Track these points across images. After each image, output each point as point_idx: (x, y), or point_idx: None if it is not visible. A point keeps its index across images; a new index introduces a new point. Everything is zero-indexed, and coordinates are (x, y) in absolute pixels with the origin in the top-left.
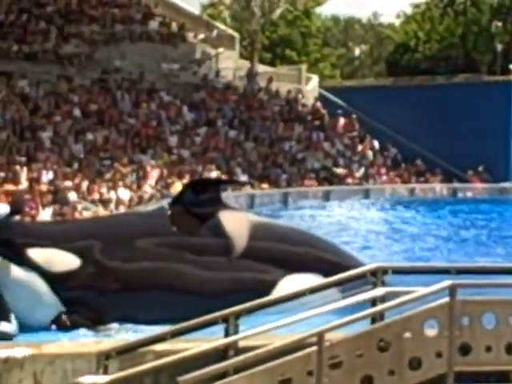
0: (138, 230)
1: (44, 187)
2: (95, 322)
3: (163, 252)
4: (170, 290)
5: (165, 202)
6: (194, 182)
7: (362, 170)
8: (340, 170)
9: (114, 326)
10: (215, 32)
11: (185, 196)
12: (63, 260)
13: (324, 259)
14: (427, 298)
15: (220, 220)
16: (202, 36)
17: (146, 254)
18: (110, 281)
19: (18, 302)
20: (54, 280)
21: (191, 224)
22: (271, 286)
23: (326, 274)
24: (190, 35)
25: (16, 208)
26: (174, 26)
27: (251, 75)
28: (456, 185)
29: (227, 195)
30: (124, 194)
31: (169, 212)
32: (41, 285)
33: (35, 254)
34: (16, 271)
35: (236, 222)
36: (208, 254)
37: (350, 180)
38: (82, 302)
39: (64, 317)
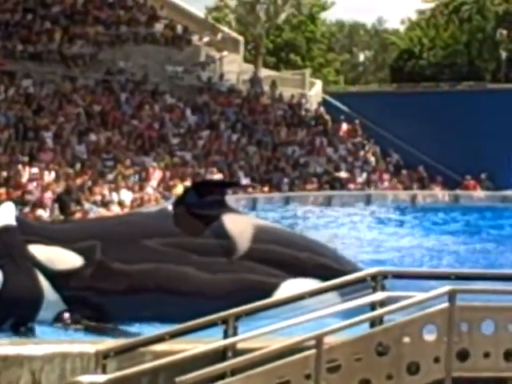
0: (141, 230)
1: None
2: (96, 322)
3: (166, 253)
4: (171, 291)
5: (167, 204)
6: (198, 183)
7: (364, 175)
8: (343, 174)
9: (114, 326)
10: (220, 35)
11: (188, 197)
12: (66, 258)
13: (325, 265)
14: (427, 303)
15: (223, 222)
16: (206, 39)
17: (149, 254)
18: (112, 281)
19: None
20: (56, 278)
21: (194, 225)
22: (273, 288)
23: (326, 280)
24: (194, 38)
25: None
26: (179, 29)
27: (255, 79)
28: (458, 192)
29: (229, 198)
30: (126, 195)
31: (172, 213)
32: (43, 282)
33: (37, 250)
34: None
35: (239, 224)
36: (211, 255)
37: (352, 185)
38: (84, 301)
39: (66, 315)
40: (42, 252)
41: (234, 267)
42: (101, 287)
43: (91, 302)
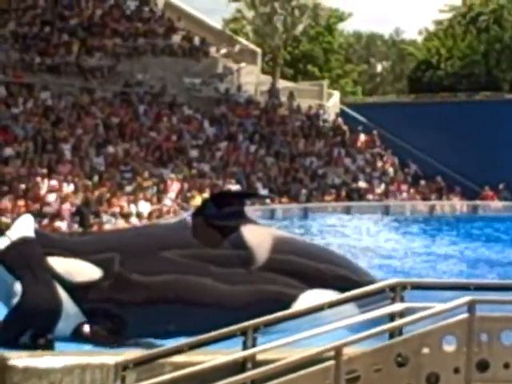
0: (159, 241)
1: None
2: (116, 334)
3: (185, 264)
4: (190, 302)
5: (186, 215)
6: (216, 194)
7: (383, 186)
8: (361, 184)
9: (134, 339)
10: (237, 47)
11: (207, 208)
12: (85, 271)
13: (343, 276)
14: (446, 313)
15: (242, 232)
16: (224, 51)
17: (167, 266)
18: (131, 293)
19: None
20: (75, 290)
21: (213, 236)
22: (292, 299)
23: (344, 292)
24: (212, 50)
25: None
26: (197, 41)
27: (273, 91)
28: (476, 202)
29: (247, 209)
30: (144, 207)
31: (191, 224)
32: (61, 294)
33: (56, 263)
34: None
35: (258, 235)
36: (229, 266)
37: (370, 196)
38: (103, 313)
39: (85, 327)
40: (60, 264)
41: (252, 278)
42: (120, 299)
43: (110, 313)
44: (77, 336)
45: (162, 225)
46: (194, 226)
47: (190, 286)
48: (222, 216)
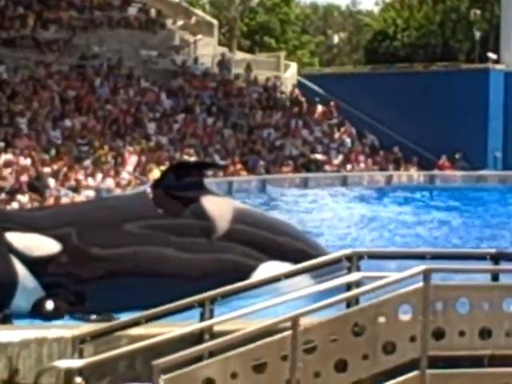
0: (121, 214)
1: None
2: (77, 308)
3: (146, 235)
4: (152, 273)
5: (146, 187)
6: (175, 165)
7: (340, 157)
8: (319, 156)
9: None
10: (194, 19)
11: (166, 179)
12: (43, 245)
13: (301, 250)
14: (404, 282)
15: (203, 203)
16: (180, 23)
17: (128, 238)
18: (91, 267)
19: None
20: (35, 264)
21: (173, 207)
22: (251, 269)
23: None
24: (168, 22)
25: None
26: (153, 13)
27: (224, 62)
28: (433, 172)
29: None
30: (102, 180)
31: (151, 195)
32: (19, 269)
33: (14, 238)
34: None
35: (219, 206)
36: (191, 235)
37: (328, 167)
38: (63, 287)
39: (47, 302)
40: (18, 239)
41: (213, 248)
42: (79, 273)
43: (70, 287)
44: (36, 311)
45: (122, 196)
46: (155, 197)
47: (152, 257)
48: (181, 187)
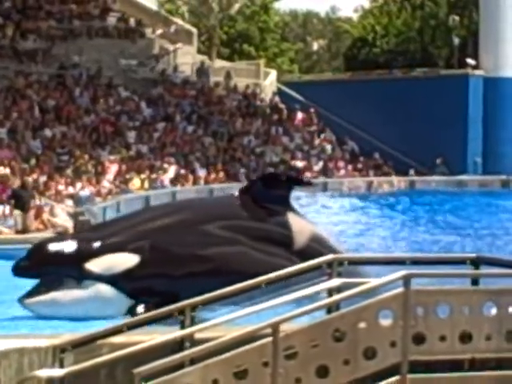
0: (202, 215)
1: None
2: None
3: (227, 237)
4: (232, 273)
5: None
6: (265, 175)
7: (321, 163)
8: (299, 164)
9: None
10: (173, 27)
11: (255, 187)
12: (120, 261)
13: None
14: (384, 288)
15: (287, 216)
16: (159, 31)
17: (210, 239)
18: (173, 267)
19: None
20: (116, 280)
21: (259, 214)
22: None
23: None
24: (147, 31)
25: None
26: (132, 22)
27: (202, 70)
28: (413, 178)
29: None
30: (82, 189)
31: (237, 201)
32: (107, 291)
33: (92, 265)
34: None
35: (300, 222)
36: (271, 242)
37: (308, 174)
38: (150, 291)
39: (137, 308)
40: (96, 264)
41: (288, 258)
42: (164, 275)
43: (157, 291)
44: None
45: (204, 199)
46: (241, 203)
47: (234, 257)
48: (268, 197)
